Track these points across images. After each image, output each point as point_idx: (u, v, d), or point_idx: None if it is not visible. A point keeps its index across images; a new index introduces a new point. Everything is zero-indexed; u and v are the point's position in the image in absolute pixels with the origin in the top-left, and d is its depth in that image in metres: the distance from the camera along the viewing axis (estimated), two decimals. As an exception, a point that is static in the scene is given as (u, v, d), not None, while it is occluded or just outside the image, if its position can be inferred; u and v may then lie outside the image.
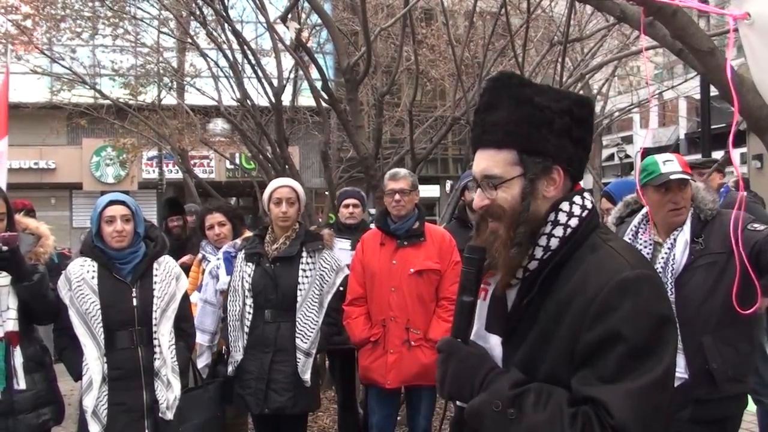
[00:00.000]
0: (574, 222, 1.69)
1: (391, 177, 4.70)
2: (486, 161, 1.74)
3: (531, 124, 1.69)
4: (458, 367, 1.74)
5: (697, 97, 14.78)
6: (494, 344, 1.79)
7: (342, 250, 5.30)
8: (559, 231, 1.69)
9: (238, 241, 5.10)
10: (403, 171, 4.82)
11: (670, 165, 3.34)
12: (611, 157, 34.17)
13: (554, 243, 1.69)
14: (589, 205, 1.73)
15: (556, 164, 1.70)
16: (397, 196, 4.61)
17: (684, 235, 3.28)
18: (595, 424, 1.52)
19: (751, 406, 4.38)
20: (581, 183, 1.84)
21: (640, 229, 3.48)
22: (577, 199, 1.72)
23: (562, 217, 1.69)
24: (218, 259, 5.01)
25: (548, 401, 1.58)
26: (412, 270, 4.50)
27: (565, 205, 1.70)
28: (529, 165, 1.70)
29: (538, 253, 1.70)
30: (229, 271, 4.92)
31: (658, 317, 1.56)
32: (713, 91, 9.46)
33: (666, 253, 3.29)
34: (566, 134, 1.70)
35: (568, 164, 1.72)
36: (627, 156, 32.09)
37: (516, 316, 1.73)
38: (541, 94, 1.71)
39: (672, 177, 3.28)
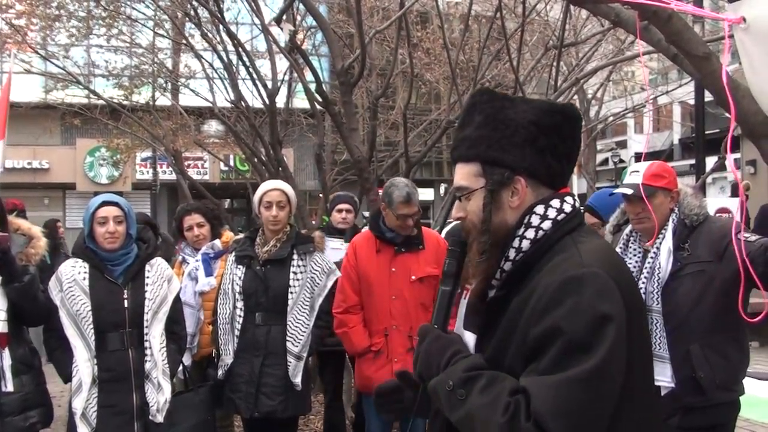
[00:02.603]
0: (546, 225, 1.73)
1: (405, 201, 4.37)
2: (457, 174, 1.84)
3: (492, 137, 1.76)
4: (428, 347, 1.82)
5: (692, 102, 14.83)
6: (468, 340, 1.86)
7: (334, 250, 5.27)
8: (530, 233, 1.74)
9: (217, 242, 5.08)
10: (414, 194, 4.49)
11: (632, 176, 3.37)
12: (605, 161, 34.26)
13: (525, 245, 1.74)
14: (567, 209, 1.76)
15: (517, 174, 1.75)
16: (409, 221, 4.42)
17: (667, 243, 3.26)
18: (522, 412, 1.56)
19: (747, 412, 4.37)
20: (572, 187, 1.85)
21: (631, 237, 3.47)
22: (554, 202, 1.76)
23: (535, 220, 1.74)
24: (197, 260, 4.98)
25: (494, 387, 1.63)
26: (414, 277, 4.39)
27: (539, 209, 1.75)
28: (490, 176, 1.77)
29: (511, 254, 1.76)
30: (208, 273, 4.89)
31: (597, 315, 1.57)
32: (707, 97, 9.49)
33: (650, 260, 3.28)
34: (529, 144, 1.74)
35: (531, 174, 1.76)
36: (621, 160, 32.17)
37: (486, 315, 1.80)
38: (512, 107, 1.77)
39: (615, 191, 3.42)
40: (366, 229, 5.23)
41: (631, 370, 1.62)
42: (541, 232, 1.73)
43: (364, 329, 4.46)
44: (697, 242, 3.24)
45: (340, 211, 5.75)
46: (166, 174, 23.30)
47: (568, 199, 1.78)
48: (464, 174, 1.82)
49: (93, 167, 25.20)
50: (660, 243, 3.27)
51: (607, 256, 1.71)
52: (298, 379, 4.24)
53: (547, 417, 1.52)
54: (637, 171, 3.37)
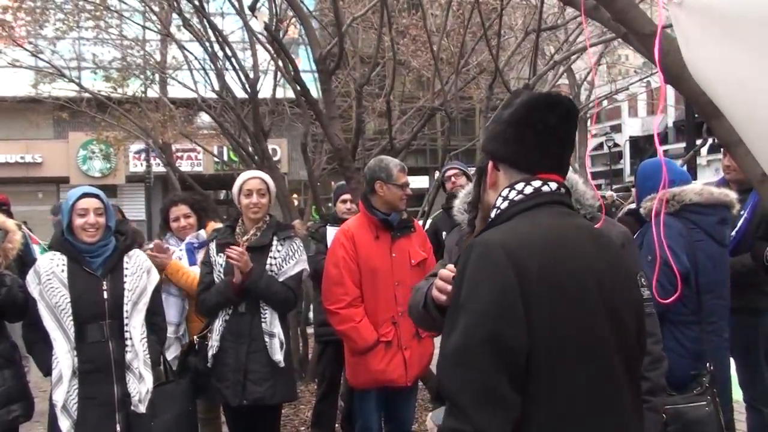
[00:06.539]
0: (504, 205, 1.89)
1: (402, 169, 4.44)
2: None
3: (487, 132, 2.02)
4: None
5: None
6: None
7: None
8: (494, 213, 1.92)
9: (202, 232, 5.08)
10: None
11: None
12: (600, 146, 34.25)
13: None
14: (528, 191, 1.87)
15: (489, 160, 1.98)
16: (408, 191, 4.43)
17: None
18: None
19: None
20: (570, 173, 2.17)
21: None
22: (519, 185, 1.88)
23: (499, 201, 1.90)
24: (180, 250, 4.99)
25: None
26: (413, 261, 4.37)
27: (505, 191, 1.90)
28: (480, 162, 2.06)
29: None
30: (192, 262, 4.90)
31: (472, 280, 1.72)
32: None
33: None
34: (501, 135, 1.94)
35: (501, 159, 1.95)
36: (616, 145, 32.18)
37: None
38: (509, 104, 1.97)
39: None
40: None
41: (551, 343, 1.69)
42: (498, 212, 1.90)
43: (369, 321, 4.34)
44: None
45: (344, 201, 5.66)
46: (160, 166, 23.28)
47: (534, 182, 1.87)
48: None
49: (86, 161, 25.20)
50: None
51: (529, 231, 1.79)
52: (278, 356, 4.23)
53: (445, 383, 1.71)
54: None
